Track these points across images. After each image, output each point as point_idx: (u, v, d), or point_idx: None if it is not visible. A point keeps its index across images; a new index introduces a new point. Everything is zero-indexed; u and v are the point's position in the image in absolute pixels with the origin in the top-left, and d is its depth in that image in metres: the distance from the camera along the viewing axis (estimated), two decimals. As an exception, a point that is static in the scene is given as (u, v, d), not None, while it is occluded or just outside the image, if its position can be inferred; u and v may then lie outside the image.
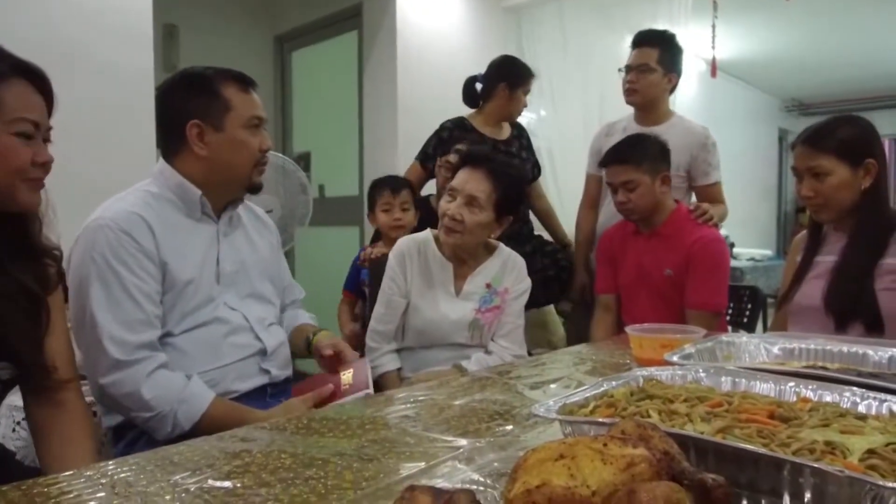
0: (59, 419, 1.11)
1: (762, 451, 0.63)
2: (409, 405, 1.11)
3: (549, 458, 0.55)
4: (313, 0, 3.96)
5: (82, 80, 2.22)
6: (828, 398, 0.85)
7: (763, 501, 0.63)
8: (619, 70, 2.50)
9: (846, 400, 0.83)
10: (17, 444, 1.47)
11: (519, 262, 1.88)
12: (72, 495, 0.72)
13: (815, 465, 0.59)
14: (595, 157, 2.49)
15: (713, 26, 3.70)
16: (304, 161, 4.05)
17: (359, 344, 2.00)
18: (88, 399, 1.26)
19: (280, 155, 2.82)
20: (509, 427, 0.98)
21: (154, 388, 1.24)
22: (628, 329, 1.38)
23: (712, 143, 2.42)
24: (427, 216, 2.44)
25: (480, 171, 1.76)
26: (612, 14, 3.64)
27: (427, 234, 1.87)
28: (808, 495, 0.59)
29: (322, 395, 1.37)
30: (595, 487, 0.52)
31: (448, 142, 2.55)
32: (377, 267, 2.02)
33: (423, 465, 0.82)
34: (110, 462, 0.83)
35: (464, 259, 1.83)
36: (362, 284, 2.40)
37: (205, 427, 1.25)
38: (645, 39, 2.45)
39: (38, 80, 1.04)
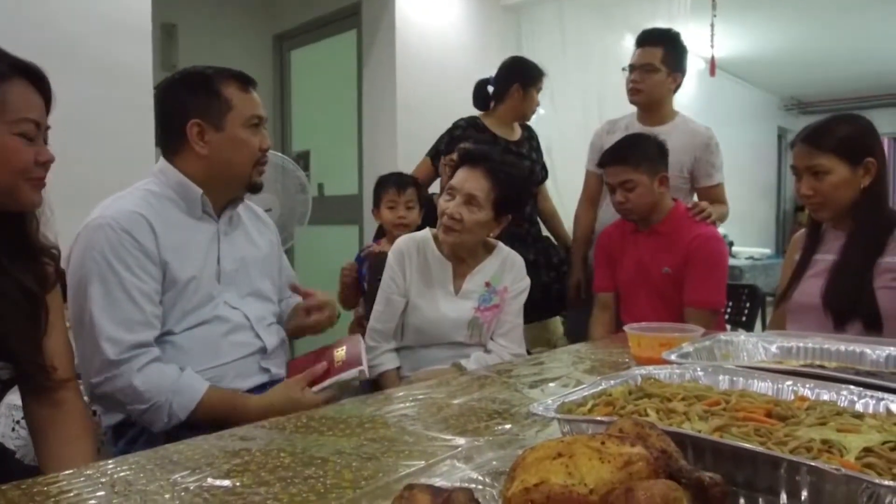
0: (58, 419, 1.11)
1: (759, 449, 0.63)
2: (408, 404, 1.11)
3: (547, 456, 0.55)
4: (312, -1, 3.97)
5: (81, 78, 2.22)
6: (825, 397, 0.85)
7: (760, 500, 0.63)
8: (623, 69, 2.48)
9: (843, 398, 0.84)
10: (16, 443, 1.47)
11: (518, 260, 1.88)
12: (72, 494, 0.72)
13: (812, 464, 0.59)
14: (595, 154, 2.48)
15: (712, 25, 3.70)
16: (303, 160, 4.04)
17: (362, 331, 2.00)
18: (85, 399, 1.26)
19: (279, 154, 2.82)
20: (508, 426, 0.98)
21: (147, 380, 1.24)
22: (627, 328, 1.38)
23: (715, 143, 2.41)
24: (433, 214, 2.44)
25: (479, 170, 1.76)
26: (612, 13, 3.64)
27: (426, 233, 1.87)
28: (804, 493, 0.59)
29: (315, 373, 1.37)
30: (593, 486, 0.52)
31: (460, 140, 2.55)
32: (376, 265, 2.02)
33: (422, 463, 0.82)
34: (110, 461, 0.83)
35: (463, 258, 1.83)
36: (362, 279, 2.40)
37: (201, 415, 1.26)
38: (649, 38, 2.42)
39: (37, 80, 1.04)
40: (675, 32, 2.48)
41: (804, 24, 4.99)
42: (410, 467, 0.81)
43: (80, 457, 1.07)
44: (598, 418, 0.76)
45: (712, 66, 3.92)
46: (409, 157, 2.78)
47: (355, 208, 3.67)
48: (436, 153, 2.68)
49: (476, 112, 2.75)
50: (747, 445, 0.64)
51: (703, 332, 1.36)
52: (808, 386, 0.88)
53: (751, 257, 5.56)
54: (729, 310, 2.49)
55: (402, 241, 1.87)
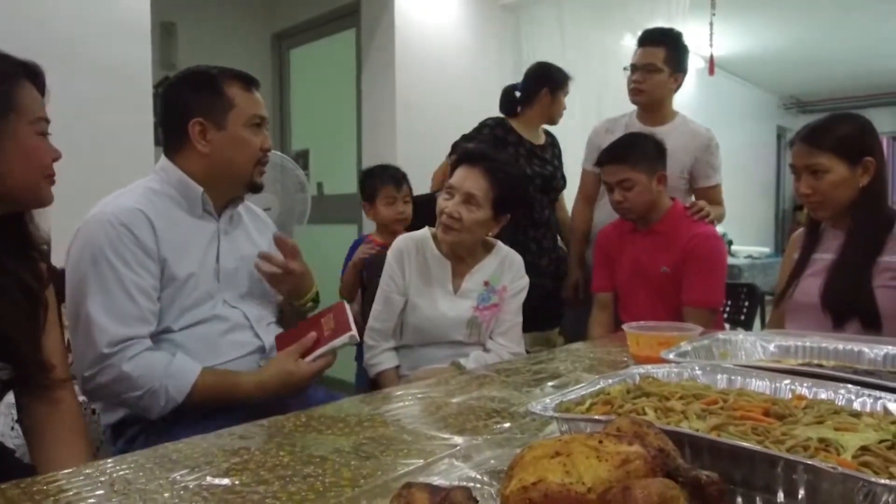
0: (54, 418, 1.11)
1: (756, 448, 0.63)
2: (406, 403, 1.11)
3: (545, 455, 0.56)
4: (311, -2, 3.96)
5: (80, 76, 2.21)
6: (823, 395, 0.85)
7: (757, 498, 0.63)
8: (624, 69, 2.47)
9: (841, 397, 0.84)
10: (16, 441, 1.47)
11: (517, 259, 1.89)
12: (71, 493, 0.73)
13: (809, 462, 0.59)
14: (593, 153, 2.47)
15: (711, 24, 3.70)
16: (302, 159, 4.05)
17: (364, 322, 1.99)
18: (82, 399, 1.26)
19: (278, 153, 2.81)
20: (507, 425, 0.98)
21: (138, 366, 1.24)
22: (625, 327, 1.39)
23: (715, 144, 2.41)
24: (431, 213, 2.44)
25: (478, 169, 1.76)
26: (611, 12, 3.63)
27: (425, 232, 1.87)
28: (801, 492, 0.59)
29: (305, 344, 1.36)
30: (590, 484, 0.53)
31: (487, 140, 2.56)
32: (374, 264, 2.02)
33: (420, 462, 0.82)
34: (109, 460, 0.83)
35: (462, 257, 1.83)
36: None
37: (197, 398, 1.26)
38: (651, 38, 2.41)
39: (34, 76, 1.05)
40: (678, 32, 2.47)
41: (803, 23, 4.99)
42: (409, 466, 0.81)
43: (75, 457, 1.07)
44: (597, 417, 0.76)
45: (711, 65, 3.92)
46: (408, 155, 2.78)
47: (354, 207, 3.66)
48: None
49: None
50: (745, 444, 0.64)
51: (701, 331, 1.36)
52: (805, 385, 0.88)
53: (749, 256, 5.55)
54: (727, 309, 2.49)
55: (402, 240, 1.87)
